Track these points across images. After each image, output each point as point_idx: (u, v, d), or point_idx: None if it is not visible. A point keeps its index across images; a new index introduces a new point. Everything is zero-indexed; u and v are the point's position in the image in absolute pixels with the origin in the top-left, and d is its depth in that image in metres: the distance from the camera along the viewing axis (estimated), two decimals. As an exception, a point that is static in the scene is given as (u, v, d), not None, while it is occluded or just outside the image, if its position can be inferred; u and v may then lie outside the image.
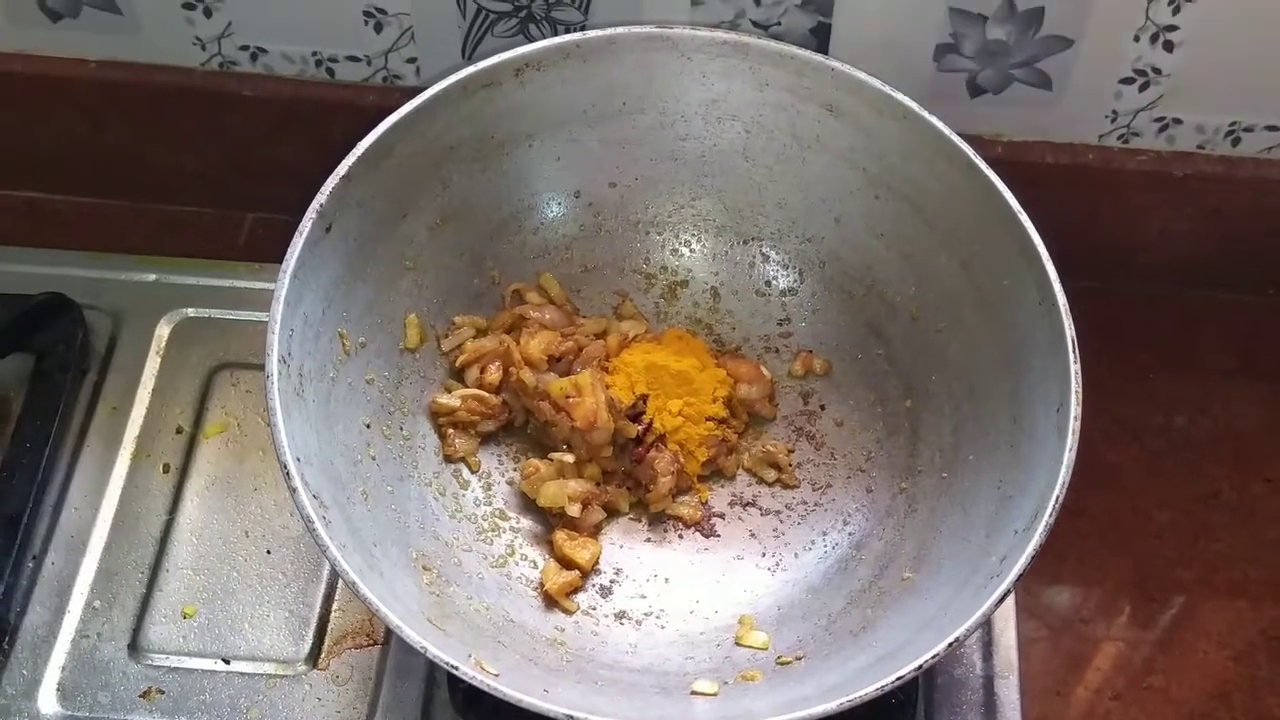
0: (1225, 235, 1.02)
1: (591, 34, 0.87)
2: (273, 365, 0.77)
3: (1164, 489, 0.97)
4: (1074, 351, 0.78)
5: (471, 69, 0.85)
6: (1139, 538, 0.95)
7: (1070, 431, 0.75)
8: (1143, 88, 0.94)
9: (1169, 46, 0.91)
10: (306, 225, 0.80)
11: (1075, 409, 0.76)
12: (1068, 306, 0.79)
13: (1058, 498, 0.74)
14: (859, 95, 0.86)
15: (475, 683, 0.70)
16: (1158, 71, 0.93)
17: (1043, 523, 0.74)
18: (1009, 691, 0.86)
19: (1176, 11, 0.89)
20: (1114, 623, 0.92)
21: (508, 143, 0.89)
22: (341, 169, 0.82)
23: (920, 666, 0.71)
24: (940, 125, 0.84)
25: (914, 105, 0.85)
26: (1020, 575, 0.73)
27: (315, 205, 0.81)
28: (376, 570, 0.76)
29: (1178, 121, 0.96)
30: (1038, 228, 0.81)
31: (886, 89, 0.85)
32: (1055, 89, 0.94)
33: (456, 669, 0.70)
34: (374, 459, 0.84)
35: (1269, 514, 0.96)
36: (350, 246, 0.84)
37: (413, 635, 0.71)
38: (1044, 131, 0.98)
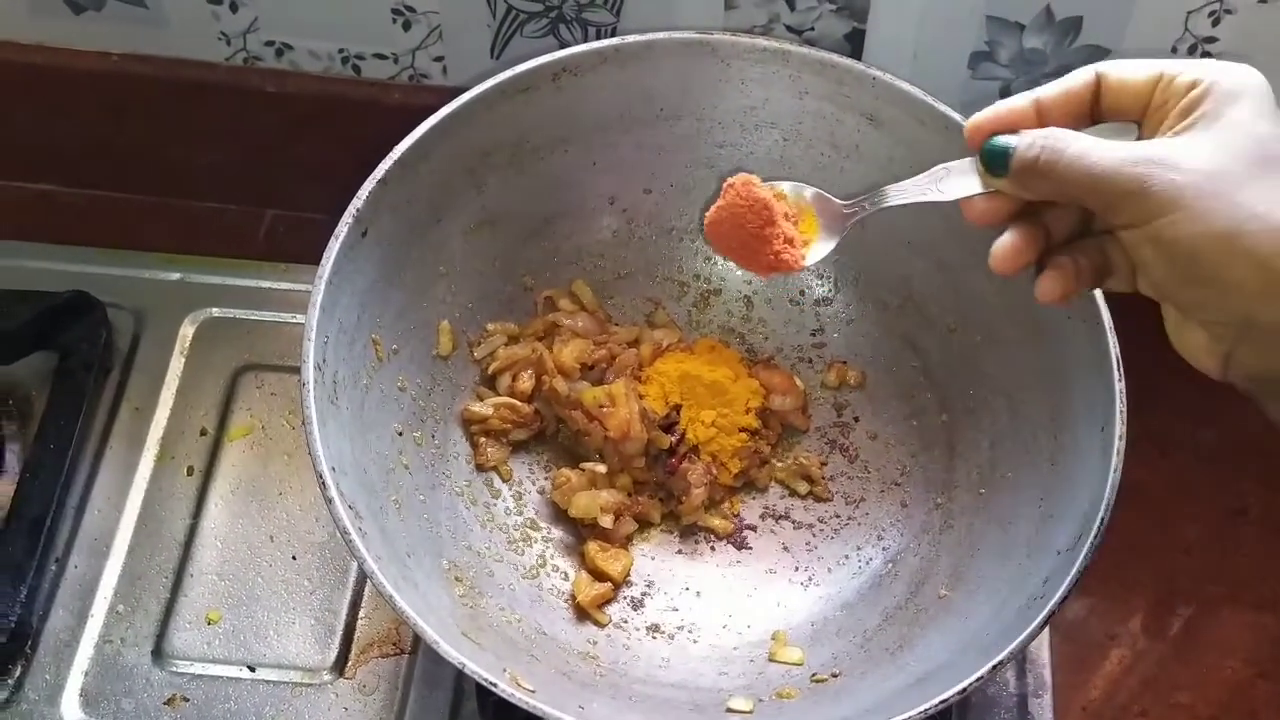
0: (1256, 248, 1.01)
1: (630, 39, 0.86)
2: (309, 372, 0.76)
3: (1192, 503, 0.96)
4: (1119, 370, 0.77)
5: (509, 73, 0.84)
6: (1166, 552, 0.95)
7: (1115, 451, 0.75)
8: (1179, 99, 0.93)
9: (1207, 58, 0.90)
10: (343, 230, 0.79)
11: (1120, 428, 0.76)
12: (1112, 324, 0.78)
13: (1103, 519, 0.73)
14: (901, 105, 0.85)
15: (513, 700, 0.70)
16: (1194, 83, 0.92)
17: (1087, 544, 0.73)
18: (1043, 711, 0.86)
19: (1216, 23, 0.89)
20: (1140, 637, 0.92)
21: (543, 148, 0.89)
22: (378, 173, 0.81)
23: (964, 690, 0.70)
24: (986, 139, 0.83)
25: (957, 117, 0.83)
26: (1065, 597, 0.72)
27: (352, 209, 0.80)
28: (411, 582, 0.75)
29: (1212, 133, 0.95)
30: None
31: (930, 100, 0.84)
32: (1090, 99, 0.94)
33: (495, 686, 0.69)
34: (406, 467, 0.83)
35: (1297, 529, 0.96)
36: (385, 251, 0.83)
37: (450, 651, 0.70)
38: (1078, 141, 0.97)
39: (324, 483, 0.73)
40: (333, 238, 0.79)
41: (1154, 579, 0.94)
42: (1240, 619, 0.92)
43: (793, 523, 0.89)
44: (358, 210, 0.80)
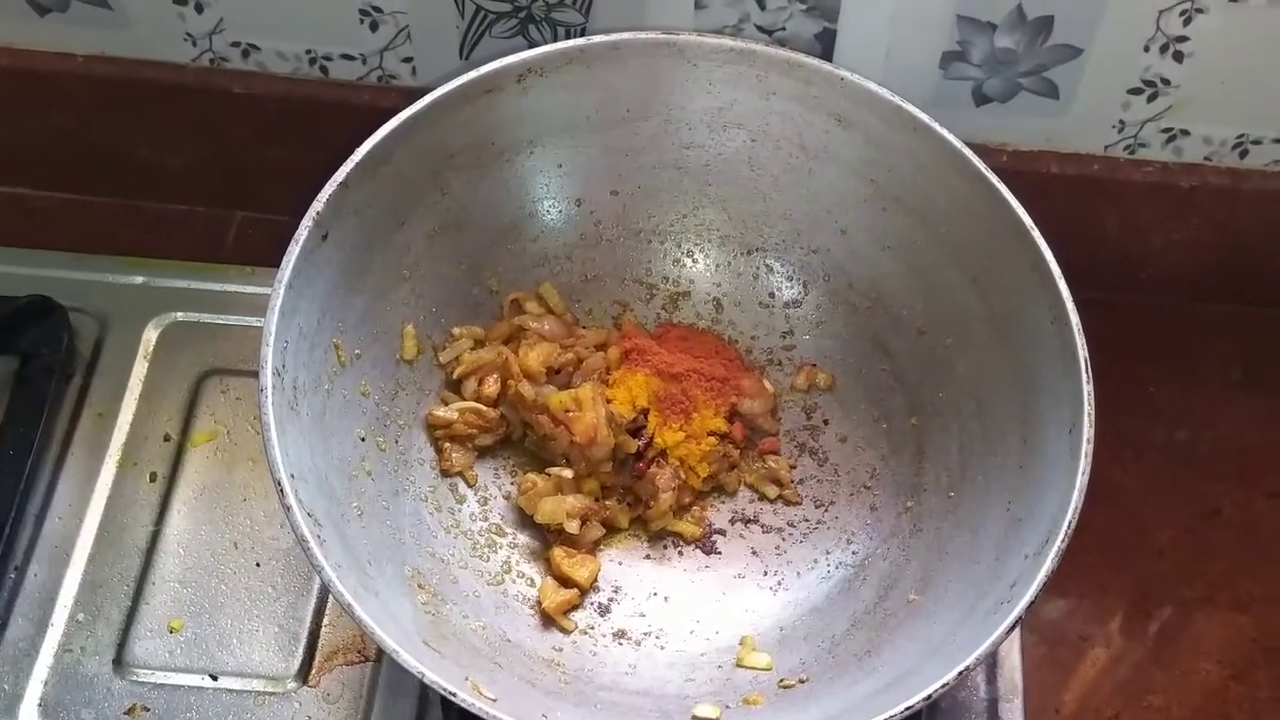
0: (1231, 248, 1.01)
1: (596, 39, 0.85)
2: (267, 378, 0.75)
3: (1166, 505, 0.96)
4: (1087, 372, 0.77)
5: (473, 74, 0.84)
6: (1140, 554, 0.94)
7: (1083, 454, 0.74)
8: (1151, 98, 0.93)
9: (1179, 57, 0.90)
10: (303, 234, 0.79)
11: (1088, 431, 0.75)
12: (1080, 326, 0.77)
13: (1070, 523, 0.73)
14: (869, 106, 0.85)
15: (474, 709, 0.69)
16: (1166, 82, 0.92)
17: (1054, 548, 0.73)
18: (1013, 715, 0.85)
19: (1188, 22, 0.88)
20: (1114, 640, 0.91)
21: (508, 149, 0.88)
22: (339, 176, 0.80)
23: (929, 696, 0.70)
24: (952, 139, 0.83)
25: (925, 118, 0.83)
26: (1032, 602, 0.71)
27: (312, 213, 0.79)
28: (371, 590, 0.75)
29: (1185, 133, 0.95)
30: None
31: (897, 100, 0.84)
32: (1062, 98, 0.93)
33: (455, 695, 0.69)
34: (369, 473, 0.82)
35: (1272, 530, 0.95)
36: (346, 255, 0.82)
37: (409, 660, 0.69)
38: (1050, 141, 0.97)
39: (282, 490, 0.72)
40: (292, 241, 0.78)
41: (1128, 581, 0.93)
42: (1214, 621, 0.92)
43: (762, 527, 0.88)
44: (318, 213, 0.79)
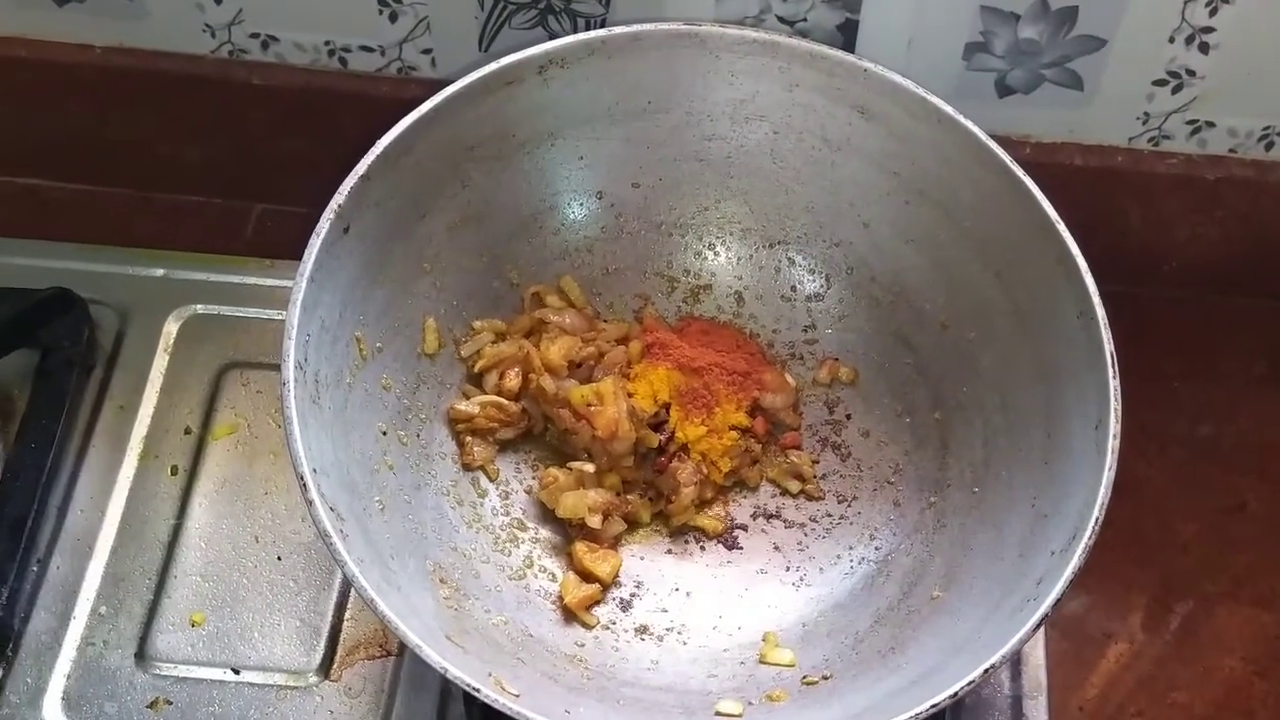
0: (1255, 241, 1.00)
1: (617, 30, 0.85)
2: (289, 372, 0.75)
3: (1189, 499, 0.96)
4: (1113, 367, 0.76)
5: (494, 66, 0.83)
6: (1163, 549, 0.94)
7: (1110, 450, 0.74)
8: (1175, 90, 0.92)
9: (1204, 48, 0.89)
10: (324, 226, 0.78)
11: (1115, 426, 0.74)
12: (1107, 320, 0.77)
13: (1097, 520, 0.72)
14: (892, 98, 0.84)
15: (497, 705, 0.69)
16: (1191, 73, 0.91)
17: (1081, 544, 0.72)
18: (1038, 713, 0.85)
19: (1214, 13, 0.87)
20: (1137, 636, 0.91)
21: (529, 141, 0.88)
22: (360, 168, 0.80)
23: (955, 694, 0.69)
24: (977, 131, 0.82)
25: (950, 110, 0.83)
26: (1059, 599, 0.71)
27: (333, 206, 0.79)
28: (394, 585, 0.74)
29: (1210, 125, 0.94)
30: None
31: (922, 92, 0.83)
32: (1086, 90, 0.93)
33: (479, 691, 0.68)
34: (390, 468, 0.82)
35: (1296, 526, 0.95)
36: (368, 248, 0.82)
37: (433, 655, 0.69)
38: (1073, 133, 0.96)
39: (305, 484, 0.72)
40: (314, 234, 0.78)
41: (1151, 576, 0.93)
42: (1238, 616, 0.91)
43: (784, 522, 0.88)
44: (339, 206, 0.79)
